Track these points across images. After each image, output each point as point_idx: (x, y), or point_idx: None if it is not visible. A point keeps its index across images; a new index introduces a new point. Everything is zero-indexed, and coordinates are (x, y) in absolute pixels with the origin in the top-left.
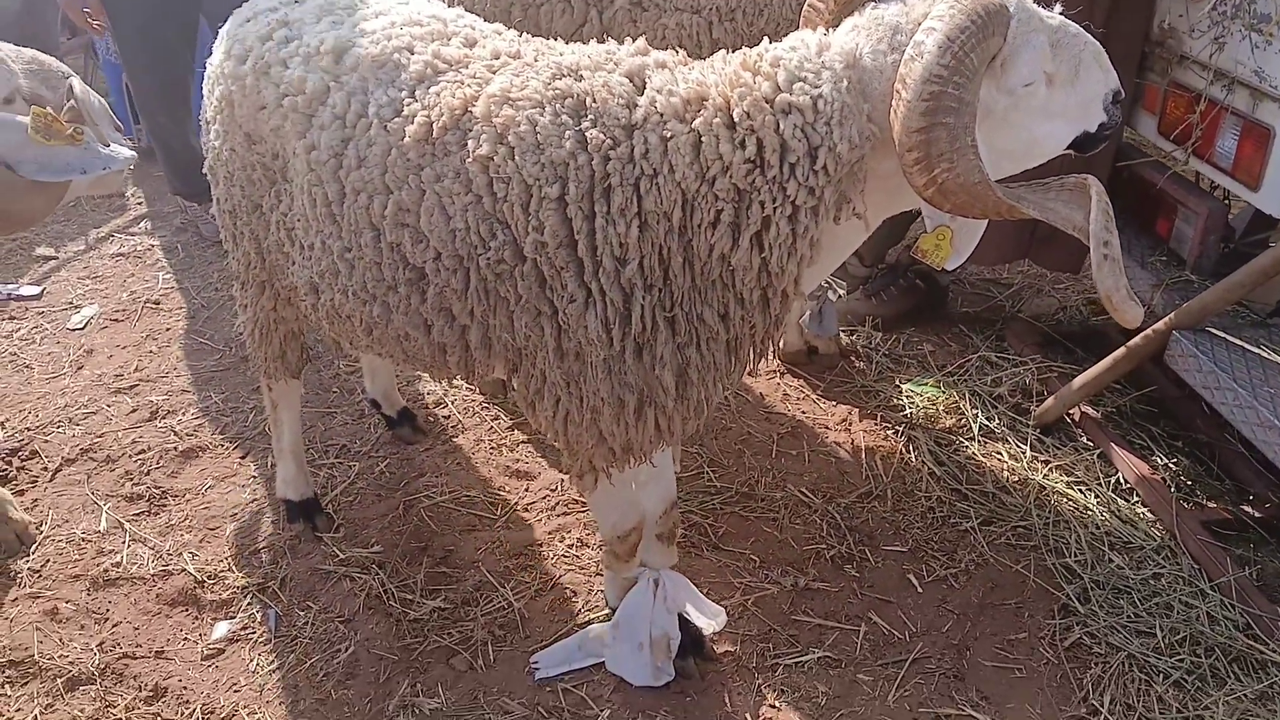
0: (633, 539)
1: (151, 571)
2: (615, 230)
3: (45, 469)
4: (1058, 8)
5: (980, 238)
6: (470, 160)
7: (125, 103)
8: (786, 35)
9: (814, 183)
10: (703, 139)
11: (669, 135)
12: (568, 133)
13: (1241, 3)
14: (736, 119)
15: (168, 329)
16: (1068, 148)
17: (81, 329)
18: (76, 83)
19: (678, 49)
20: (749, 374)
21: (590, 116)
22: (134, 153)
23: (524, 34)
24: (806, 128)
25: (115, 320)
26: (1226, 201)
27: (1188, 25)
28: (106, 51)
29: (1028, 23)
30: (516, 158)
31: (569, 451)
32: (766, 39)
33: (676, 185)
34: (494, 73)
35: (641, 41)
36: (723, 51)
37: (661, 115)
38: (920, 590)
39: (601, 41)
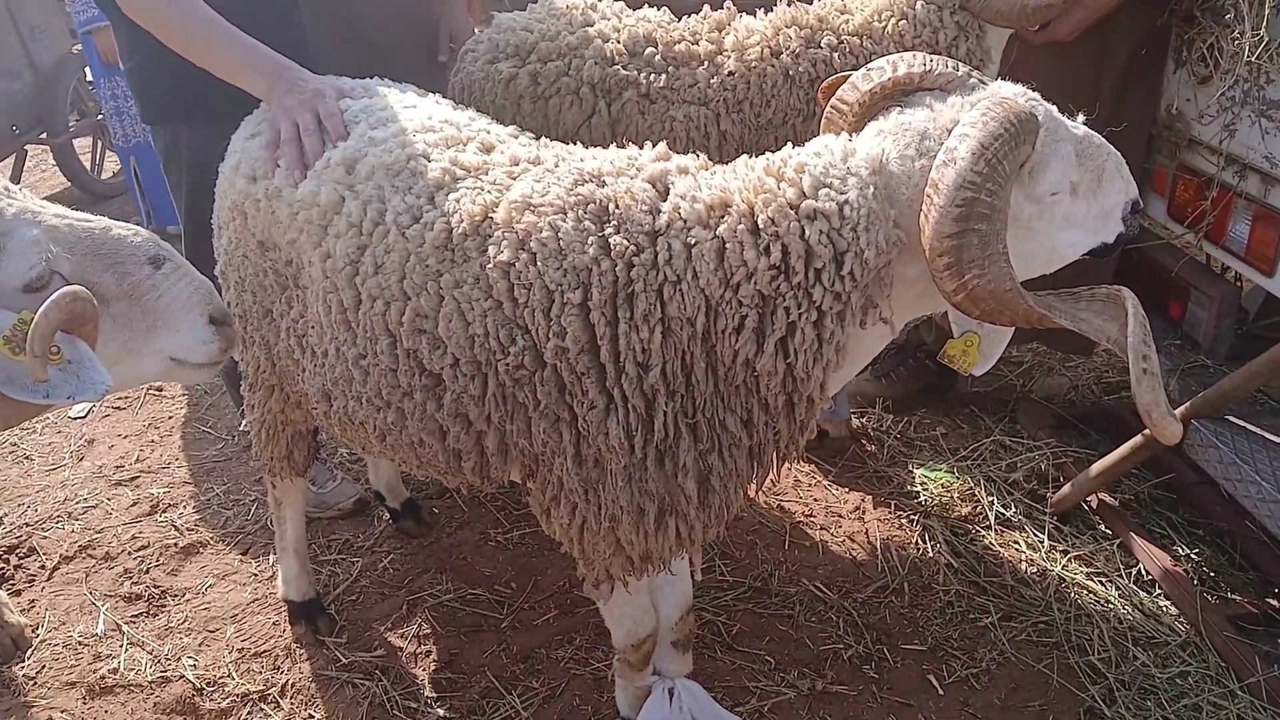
0: (647, 647)
1: (149, 678)
2: (638, 336)
3: (43, 567)
4: (1080, 117)
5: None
6: (491, 266)
7: (135, 187)
8: (794, 126)
9: (840, 288)
10: (727, 245)
11: (693, 241)
12: (591, 239)
13: (1251, 89)
14: (761, 225)
15: (170, 417)
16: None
17: (83, 417)
18: (54, 301)
19: (688, 141)
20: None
21: (613, 222)
22: (107, 386)
23: (541, 138)
24: (832, 233)
25: (116, 408)
26: (1238, 283)
27: (1196, 110)
28: (124, 141)
29: (1055, 131)
30: (539, 263)
31: (584, 560)
32: (790, 144)
33: (700, 291)
34: (514, 178)
35: (663, 146)
36: (745, 156)
37: (685, 221)
38: (941, 692)
39: (610, 132)
